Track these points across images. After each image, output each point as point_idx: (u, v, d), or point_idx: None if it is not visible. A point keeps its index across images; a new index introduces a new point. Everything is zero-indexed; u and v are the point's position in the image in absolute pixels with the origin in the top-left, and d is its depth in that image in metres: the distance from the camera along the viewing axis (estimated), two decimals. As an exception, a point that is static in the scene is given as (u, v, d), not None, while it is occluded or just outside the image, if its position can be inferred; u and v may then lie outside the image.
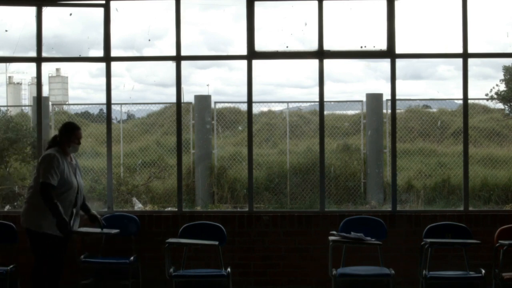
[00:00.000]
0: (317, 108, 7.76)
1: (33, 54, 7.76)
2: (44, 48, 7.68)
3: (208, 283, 6.97)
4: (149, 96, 24.70)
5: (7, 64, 13.22)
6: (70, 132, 6.10)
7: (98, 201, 12.48)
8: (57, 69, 22.78)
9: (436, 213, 7.53)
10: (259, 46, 7.57)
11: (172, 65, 7.67)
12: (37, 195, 5.85)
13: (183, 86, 7.77)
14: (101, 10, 7.62)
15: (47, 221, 5.84)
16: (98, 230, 6.43)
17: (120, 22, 8.03)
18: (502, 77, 14.85)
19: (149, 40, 17.39)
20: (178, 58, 7.60)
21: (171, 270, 6.67)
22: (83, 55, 8.79)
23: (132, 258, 7.08)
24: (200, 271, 6.98)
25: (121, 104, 14.28)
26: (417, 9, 9.16)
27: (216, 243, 6.75)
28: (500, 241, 6.70)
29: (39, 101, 7.89)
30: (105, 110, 8.29)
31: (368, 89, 22.25)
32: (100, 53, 7.76)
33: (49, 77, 22.31)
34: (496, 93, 14.72)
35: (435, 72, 20.37)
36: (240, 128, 14.63)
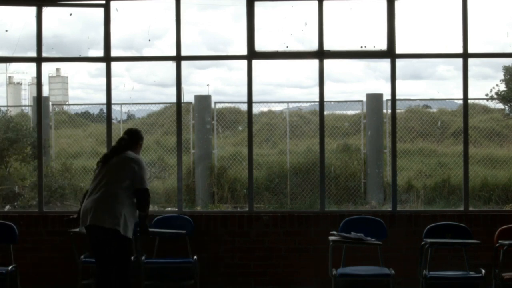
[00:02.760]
0: (317, 108, 7.77)
1: (33, 54, 7.76)
2: (44, 48, 7.68)
3: (176, 269, 7.34)
4: (148, 96, 24.70)
5: (7, 64, 13.21)
6: (141, 140, 6.19)
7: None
8: (57, 69, 22.78)
9: (436, 213, 7.53)
10: (259, 46, 7.57)
11: (171, 65, 7.68)
12: (125, 198, 5.76)
13: (183, 86, 7.78)
14: (100, 10, 7.62)
15: (130, 225, 5.79)
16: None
17: (119, 22, 8.04)
18: (502, 77, 14.86)
19: (149, 40, 17.39)
20: (178, 58, 7.60)
21: (143, 258, 7.09)
22: (83, 55, 8.79)
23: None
24: (169, 259, 7.26)
25: (121, 104, 14.28)
26: (417, 9, 9.16)
27: (184, 231, 7.17)
28: (500, 241, 6.70)
29: (39, 101, 7.89)
30: (105, 110, 8.29)
31: (367, 89, 22.25)
32: (99, 53, 7.76)
33: (49, 77, 22.30)
34: (496, 93, 14.73)
35: (435, 72, 20.36)
36: (240, 128, 14.63)
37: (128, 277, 5.79)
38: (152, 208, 11.95)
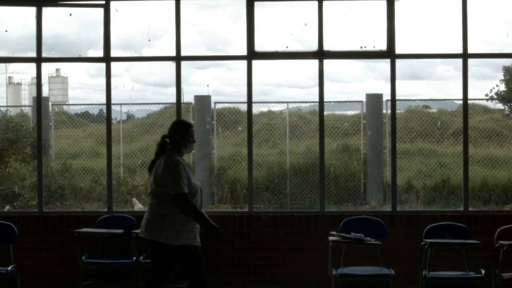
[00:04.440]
0: (317, 108, 7.76)
1: (33, 54, 7.76)
2: (43, 48, 7.67)
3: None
4: (148, 96, 24.70)
5: (7, 64, 13.22)
6: (184, 130, 5.51)
7: (98, 201, 12.50)
8: (57, 69, 22.80)
9: (436, 213, 7.53)
10: (259, 46, 7.57)
11: (170, 65, 7.68)
12: (162, 206, 5.32)
13: (182, 86, 7.78)
14: (100, 10, 7.62)
15: (176, 231, 5.32)
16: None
17: (119, 22, 8.04)
18: (500, 77, 14.87)
19: (149, 40, 17.40)
20: (178, 58, 7.60)
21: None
22: (82, 55, 8.80)
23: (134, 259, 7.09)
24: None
25: (121, 104, 14.29)
26: (417, 9, 9.16)
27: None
28: (500, 241, 6.70)
29: (39, 101, 7.89)
30: (105, 111, 8.30)
31: (367, 89, 22.30)
32: (98, 53, 7.77)
33: (49, 77, 22.33)
34: (496, 94, 14.74)
35: (434, 72, 20.40)
36: (240, 128, 14.63)
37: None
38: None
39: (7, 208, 11.46)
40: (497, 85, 14.73)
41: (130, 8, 8.02)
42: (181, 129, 5.52)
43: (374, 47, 7.59)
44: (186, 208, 5.24)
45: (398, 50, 7.50)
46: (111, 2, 7.60)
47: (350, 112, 14.74)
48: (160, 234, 5.30)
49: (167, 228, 5.29)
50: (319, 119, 7.70)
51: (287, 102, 14.84)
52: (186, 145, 5.51)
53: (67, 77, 22.98)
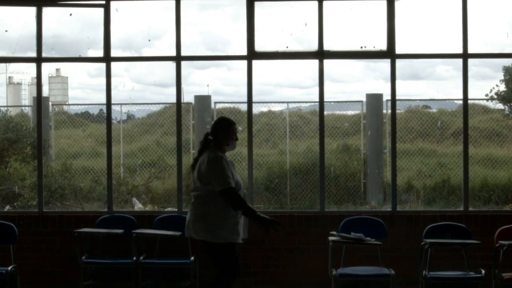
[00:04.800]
0: (317, 108, 7.77)
1: (33, 54, 7.76)
2: (43, 48, 7.68)
3: (173, 270, 7.37)
4: (148, 96, 24.71)
5: (7, 64, 13.22)
6: (227, 128, 5.49)
7: (98, 201, 12.49)
8: (57, 69, 22.81)
9: (436, 213, 7.53)
10: (259, 46, 7.57)
11: (170, 65, 7.68)
12: (207, 204, 5.33)
13: (182, 86, 7.78)
14: (99, 10, 7.62)
15: (225, 229, 5.33)
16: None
17: (119, 22, 8.04)
18: (501, 77, 14.87)
19: (149, 40, 17.39)
20: (178, 58, 7.60)
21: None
22: (82, 55, 8.80)
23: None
24: (167, 259, 7.26)
25: (121, 104, 14.28)
26: (417, 9, 9.16)
27: (179, 233, 7.02)
28: (500, 241, 6.70)
29: (39, 101, 7.90)
30: (105, 110, 8.29)
31: (367, 89, 22.30)
32: (98, 53, 7.77)
33: (49, 77, 22.34)
34: (496, 94, 14.74)
35: (434, 72, 20.40)
36: (240, 128, 14.63)
37: (228, 284, 5.41)
38: (152, 208, 12.01)
39: (7, 208, 11.46)
40: (497, 85, 14.74)
41: (130, 8, 8.02)
42: (223, 126, 5.51)
43: (374, 47, 7.59)
44: (235, 202, 5.26)
45: (398, 50, 7.50)
46: (111, 2, 7.60)
47: (350, 112, 14.75)
48: (208, 233, 5.30)
49: (214, 226, 5.29)
50: (319, 119, 7.70)
51: (287, 102, 14.84)
52: (229, 142, 5.51)
53: (67, 77, 22.99)
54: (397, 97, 7.57)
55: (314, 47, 7.56)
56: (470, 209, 7.56)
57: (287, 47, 7.64)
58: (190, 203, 5.51)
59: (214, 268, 5.47)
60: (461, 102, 7.65)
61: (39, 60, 7.71)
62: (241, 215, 5.41)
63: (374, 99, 13.56)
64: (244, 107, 13.18)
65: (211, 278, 5.51)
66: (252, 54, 7.55)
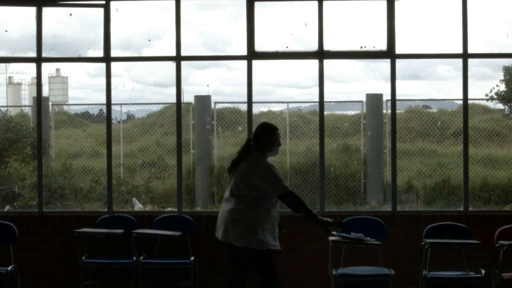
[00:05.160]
0: (317, 109, 7.76)
1: (32, 54, 7.76)
2: (43, 48, 7.67)
3: (173, 270, 7.36)
4: (148, 96, 24.72)
5: (7, 64, 13.23)
6: (270, 133, 5.44)
7: (98, 201, 12.49)
8: (57, 69, 22.81)
9: (436, 213, 7.53)
10: (259, 46, 7.57)
11: (170, 65, 7.68)
12: (250, 210, 5.28)
13: (182, 86, 7.78)
14: (99, 10, 7.62)
15: (268, 236, 5.32)
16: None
17: (119, 22, 8.04)
18: (501, 77, 14.88)
19: (149, 40, 17.41)
20: (178, 58, 7.60)
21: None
22: (82, 55, 8.80)
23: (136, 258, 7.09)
24: (167, 260, 7.25)
25: (121, 104, 14.29)
26: (417, 9, 9.16)
27: (179, 233, 7.07)
28: (500, 241, 6.70)
29: (39, 101, 7.89)
30: (105, 111, 8.29)
31: (367, 89, 22.30)
32: (98, 53, 7.77)
33: (49, 77, 22.34)
34: (496, 94, 14.74)
35: (434, 72, 20.42)
36: (240, 128, 14.63)
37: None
38: (152, 208, 12.01)
39: (7, 208, 11.46)
40: (497, 85, 14.75)
41: (130, 8, 8.02)
42: (266, 132, 5.47)
43: (374, 47, 7.59)
44: (298, 205, 5.26)
45: (398, 50, 7.50)
46: (111, 2, 7.60)
47: (350, 112, 14.75)
48: (251, 240, 5.27)
49: (258, 233, 5.27)
50: (319, 119, 7.70)
51: (287, 102, 14.85)
52: (272, 148, 5.46)
53: (67, 77, 22.99)
54: (397, 97, 7.56)
55: (314, 47, 7.55)
56: (470, 209, 7.56)
57: (287, 47, 7.65)
58: (228, 208, 5.37)
59: (259, 277, 5.42)
60: (461, 102, 7.65)
61: (39, 60, 7.71)
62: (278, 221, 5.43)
63: (374, 99, 13.56)
64: (244, 107, 13.19)
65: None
66: (252, 54, 7.55)
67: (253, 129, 7.62)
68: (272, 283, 5.43)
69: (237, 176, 5.37)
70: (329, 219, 5.36)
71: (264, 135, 5.45)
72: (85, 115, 16.55)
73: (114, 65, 7.68)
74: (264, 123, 5.56)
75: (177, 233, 7.11)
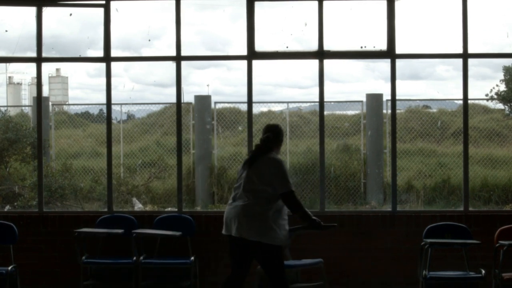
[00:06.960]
0: (317, 108, 7.76)
1: (33, 54, 7.75)
2: (43, 48, 7.67)
3: (173, 270, 7.35)
4: (147, 96, 24.72)
5: (7, 64, 13.22)
6: (282, 136, 5.73)
7: (98, 201, 12.49)
8: (57, 69, 22.79)
9: (436, 213, 7.53)
10: (259, 46, 7.57)
11: (170, 65, 7.68)
12: (265, 205, 5.37)
13: (182, 86, 7.78)
14: (99, 10, 7.62)
15: (281, 232, 5.42)
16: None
17: (119, 22, 8.04)
18: (501, 77, 14.88)
19: (149, 40, 17.41)
20: (178, 58, 7.60)
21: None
22: (82, 55, 8.81)
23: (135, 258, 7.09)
24: (167, 260, 7.27)
25: (121, 104, 14.29)
26: (417, 9, 9.16)
27: (179, 233, 7.10)
28: (500, 241, 6.70)
29: (39, 101, 7.89)
30: (105, 111, 8.30)
31: (367, 89, 22.29)
32: (98, 53, 7.77)
33: (49, 77, 22.32)
34: (496, 94, 14.74)
35: (434, 72, 20.41)
36: (240, 128, 14.63)
37: (286, 284, 5.47)
38: (152, 208, 12.01)
39: (7, 208, 11.46)
40: (497, 85, 14.75)
41: (130, 8, 8.03)
42: (281, 134, 5.71)
43: (374, 47, 7.59)
44: (296, 206, 5.43)
45: (398, 50, 7.50)
46: (111, 2, 7.60)
47: (350, 112, 14.75)
48: (265, 235, 5.35)
49: (273, 228, 5.37)
50: (319, 119, 7.70)
51: (287, 102, 14.86)
52: (279, 150, 5.71)
53: (67, 77, 22.97)
54: (397, 97, 7.56)
55: (314, 47, 7.55)
56: (470, 209, 7.56)
57: (287, 47, 7.65)
58: (241, 203, 5.44)
59: (269, 274, 5.45)
60: (461, 102, 7.65)
61: (39, 60, 7.71)
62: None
63: (374, 99, 13.56)
64: (244, 107, 13.20)
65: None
66: (252, 54, 7.55)
67: (253, 129, 7.66)
68: (280, 279, 5.45)
69: (253, 172, 5.47)
70: (319, 221, 5.55)
71: (279, 136, 5.68)
72: (85, 115, 16.55)
73: (114, 65, 7.68)
74: (278, 126, 5.74)
75: (177, 233, 7.12)
